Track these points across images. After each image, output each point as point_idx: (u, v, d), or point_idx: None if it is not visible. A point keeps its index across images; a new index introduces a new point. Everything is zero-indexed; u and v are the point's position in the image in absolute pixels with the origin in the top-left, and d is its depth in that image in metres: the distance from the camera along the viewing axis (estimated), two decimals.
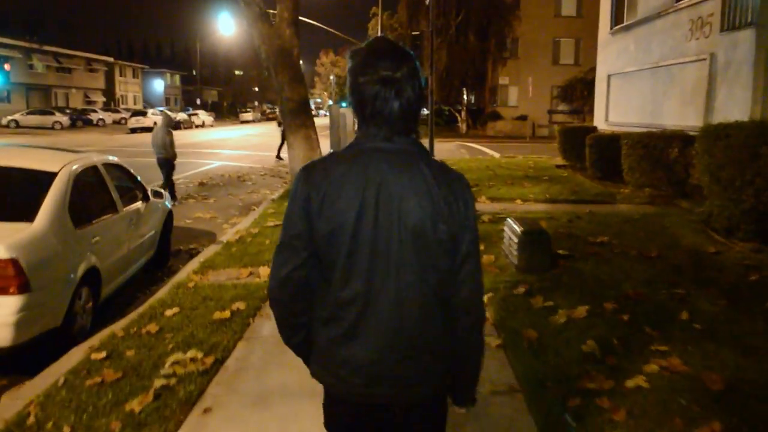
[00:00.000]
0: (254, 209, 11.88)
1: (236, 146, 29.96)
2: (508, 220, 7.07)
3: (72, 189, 5.49)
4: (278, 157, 21.59)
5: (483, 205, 11.26)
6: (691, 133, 12.17)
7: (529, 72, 39.52)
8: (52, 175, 5.40)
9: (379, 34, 39.28)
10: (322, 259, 1.76)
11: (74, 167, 5.72)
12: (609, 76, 19.46)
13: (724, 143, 8.19)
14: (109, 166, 6.62)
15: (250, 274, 6.97)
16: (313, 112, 16.63)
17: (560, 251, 7.13)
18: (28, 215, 4.94)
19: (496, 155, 24.30)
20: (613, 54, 19.30)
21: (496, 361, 4.40)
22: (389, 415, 1.82)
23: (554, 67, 41.97)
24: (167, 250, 8.16)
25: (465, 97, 45.44)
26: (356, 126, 1.86)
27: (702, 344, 4.53)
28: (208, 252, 8.02)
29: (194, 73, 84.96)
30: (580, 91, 38.66)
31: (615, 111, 18.98)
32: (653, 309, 5.31)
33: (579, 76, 38.25)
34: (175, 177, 15.72)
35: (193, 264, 7.45)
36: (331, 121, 17.04)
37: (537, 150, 27.23)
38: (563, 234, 8.28)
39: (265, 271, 6.96)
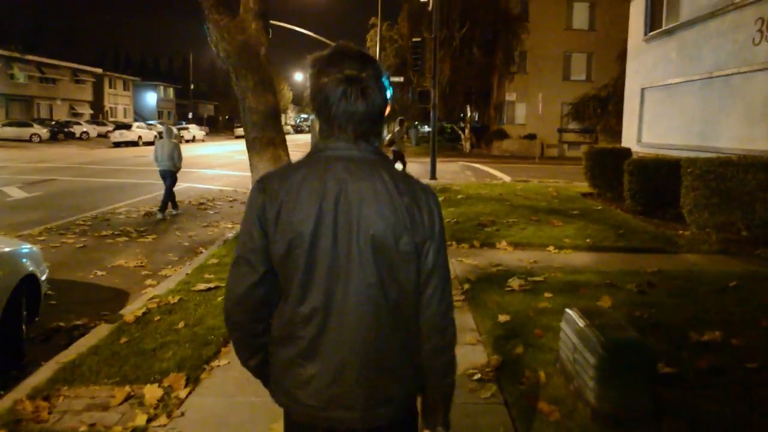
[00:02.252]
0: (201, 252, 8.97)
1: (215, 164, 27.04)
2: (569, 313, 4.14)
3: None
4: None
5: (505, 255, 8.31)
6: None
7: (538, 88, 36.79)
8: None
9: (378, 45, 36.59)
10: (279, 273, 1.67)
11: None
12: (643, 90, 16.61)
13: None
14: None
15: (127, 398, 4.05)
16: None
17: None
18: None
19: (507, 179, 21.41)
20: (647, 64, 16.47)
21: None
22: None
23: (564, 83, 39.24)
24: (18, 340, 5.18)
25: (469, 113, 42.59)
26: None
27: None
28: (84, 343, 5.08)
29: (191, 86, 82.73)
30: (593, 109, 35.91)
31: (651, 131, 16.11)
32: None
33: (591, 93, 35.55)
34: (120, 204, 13.04)
35: (43, 373, 4.50)
36: (313, 136, 14.36)
37: (550, 172, 24.39)
38: (642, 321, 5.30)
39: (152, 394, 4.05)
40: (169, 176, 11.99)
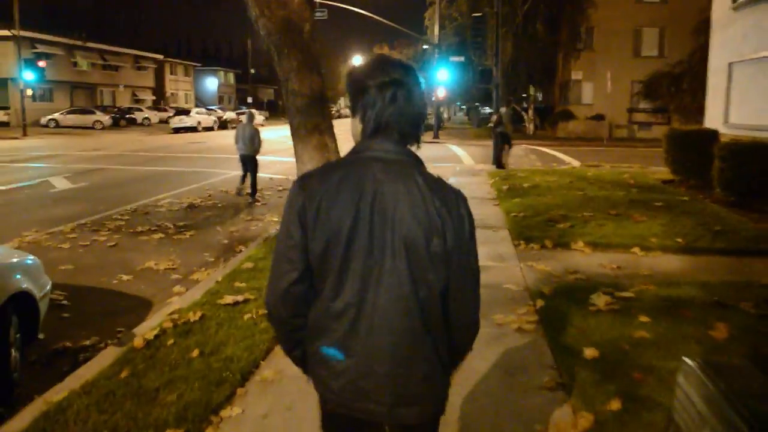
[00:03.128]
0: (240, 251, 8.17)
1: (269, 150, 26.19)
2: (689, 364, 3.03)
3: None
4: (500, 165, 17.69)
5: (583, 259, 7.16)
6: None
7: (607, 65, 34.67)
8: None
9: (436, 23, 35.28)
10: (314, 269, 1.72)
11: None
12: (730, 65, 14.93)
13: None
14: None
15: None
16: None
17: None
18: None
19: (576, 163, 19.97)
20: (736, 35, 14.75)
21: None
22: None
23: (635, 59, 36.97)
24: (5, 371, 4.36)
25: (532, 93, 40.71)
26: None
27: None
28: (82, 374, 4.26)
29: (251, 71, 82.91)
30: (666, 87, 33.73)
31: (741, 110, 14.45)
32: None
33: (664, 70, 33.38)
34: (164, 195, 12.42)
35: (20, 420, 3.69)
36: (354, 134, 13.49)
37: (622, 156, 22.75)
38: None
39: None
40: (250, 161, 12.25)
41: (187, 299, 5.89)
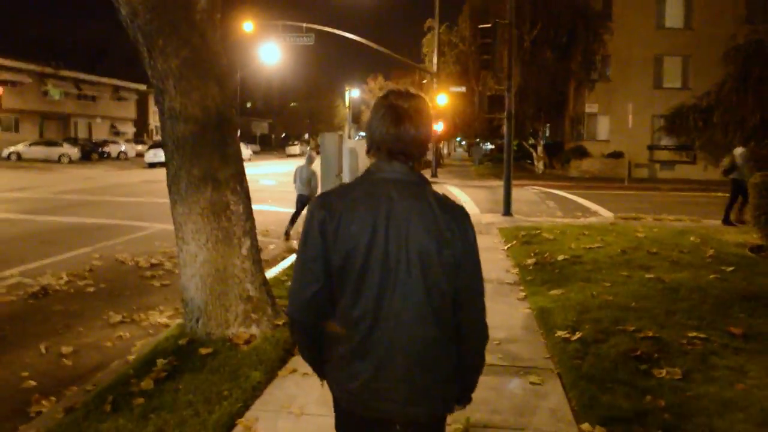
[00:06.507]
0: (33, 415, 4.04)
1: None
2: None
3: None
4: (728, 221, 13.18)
5: None
6: None
7: (624, 98, 31.05)
8: None
9: (435, 51, 31.64)
10: (334, 279, 1.85)
11: None
12: None
13: None
14: None
15: None
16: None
17: None
18: None
19: (604, 212, 15.92)
20: None
21: None
22: (391, 430, 1.87)
23: (656, 91, 33.23)
24: None
25: (542, 128, 36.76)
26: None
27: None
28: None
29: (248, 105, 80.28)
30: (693, 122, 29.85)
31: None
32: None
33: (690, 103, 29.52)
34: (16, 269, 8.23)
35: None
36: (325, 159, 9.77)
37: (655, 203, 18.90)
38: None
39: None
40: (303, 200, 12.18)
41: None
